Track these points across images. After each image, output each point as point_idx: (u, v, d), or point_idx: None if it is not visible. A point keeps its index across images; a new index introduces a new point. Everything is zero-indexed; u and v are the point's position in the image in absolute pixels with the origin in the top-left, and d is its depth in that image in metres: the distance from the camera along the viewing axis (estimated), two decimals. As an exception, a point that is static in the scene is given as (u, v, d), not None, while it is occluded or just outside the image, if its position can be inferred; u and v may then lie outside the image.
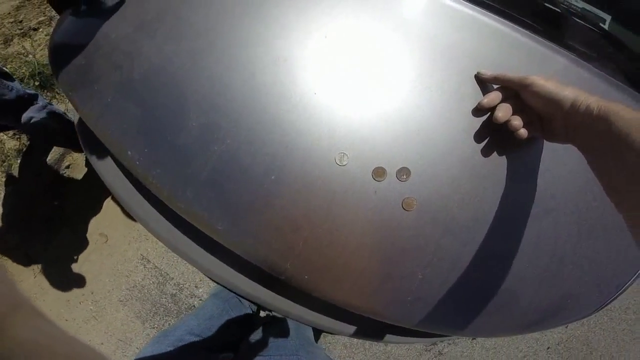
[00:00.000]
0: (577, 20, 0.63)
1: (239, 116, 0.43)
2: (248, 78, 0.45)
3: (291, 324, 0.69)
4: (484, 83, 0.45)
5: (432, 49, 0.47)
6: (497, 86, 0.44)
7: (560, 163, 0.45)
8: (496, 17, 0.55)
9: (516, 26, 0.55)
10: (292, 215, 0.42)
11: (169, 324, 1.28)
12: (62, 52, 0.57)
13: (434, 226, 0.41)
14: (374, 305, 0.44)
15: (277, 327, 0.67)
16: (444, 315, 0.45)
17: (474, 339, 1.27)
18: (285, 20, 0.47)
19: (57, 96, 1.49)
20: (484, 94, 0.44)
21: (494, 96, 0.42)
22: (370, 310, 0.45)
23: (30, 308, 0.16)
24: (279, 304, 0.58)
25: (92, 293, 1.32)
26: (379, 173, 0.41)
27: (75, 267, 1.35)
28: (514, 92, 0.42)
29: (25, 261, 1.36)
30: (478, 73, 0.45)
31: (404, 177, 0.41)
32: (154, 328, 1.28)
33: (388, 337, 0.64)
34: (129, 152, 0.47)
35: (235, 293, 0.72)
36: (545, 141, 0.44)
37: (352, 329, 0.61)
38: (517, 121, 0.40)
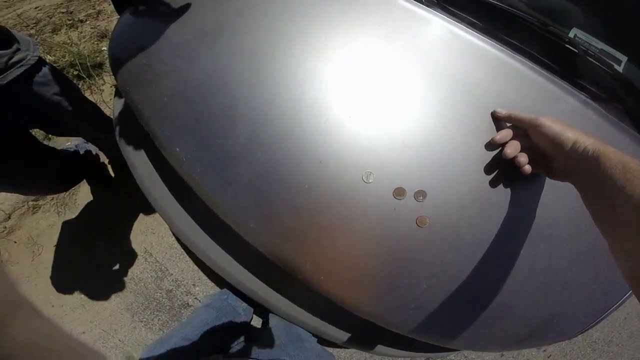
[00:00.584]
0: (593, 60, 0.67)
1: (283, 130, 0.50)
2: (295, 97, 0.52)
3: (282, 321, 0.71)
4: (498, 120, 0.51)
5: (457, 86, 0.54)
6: (510, 124, 0.50)
7: (559, 198, 0.51)
8: (517, 56, 0.61)
9: (535, 66, 0.61)
10: (318, 222, 0.48)
11: (159, 319, 1.30)
12: (123, 50, 0.63)
13: (442, 243, 0.48)
14: (380, 308, 0.50)
15: (267, 331, 0.70)
16: (442, 324, 0.50)
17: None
18: (333, 48, 0.54)
19: (92, 87, 1.55)
20: (497, 130, 0.50)
21: (506, 133, 0.48)
22: (375, 313, 0.50)
23: (30, 308, 0.16)
24: (286, 308, 0.64)
25: (86, 281, 1.34)
26: (399, 192, 0.48)
27: (75, 255, 1.37)
28: (524, 130, 0.47)
29: (28, 242, 1.39)
30: (494, 111, 0.51)
31: (421, 198, 0.48)
32: (141, 322, 1.29)
33: (379, 348, 0.69)
34: (178, 149, 0.54)
35: (238, 291, 0.76)
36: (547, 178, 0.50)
37: (346, 336, 0.66)
38: (523, 158, 0.45)
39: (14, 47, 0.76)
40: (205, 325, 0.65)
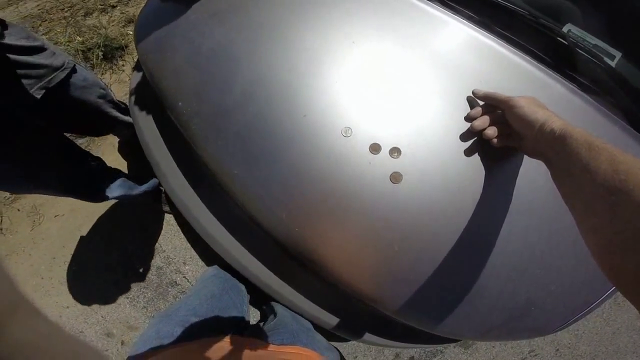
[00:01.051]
0: (584, 54, 0.70)
1: (273, 88, 0.57)
2: (288, 61, 0.59)
3: (287, 310, 0.71)
4: (476, 100, 0.54)
5: (442, 62, 0.59)
6: (485, 103, 0.53)
7: (541, 174, 0.52)
8: (503, 42, 0.64)
9: (522, 54, 0.64)
10: (296, 171, 0.52)
11: (144, 296, 1.30)
12: (147, 24, 0.73)
13: (415, 203, 0.50)
14: (345, 267, 0.51)
15: (276, 311, 0.70)
16: (408, 295, 0.50)
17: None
18: (335, 35, 0.61)
19: (113, 67, 1.69)
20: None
21: (478, 109, 0.51)
22: (338, 271, 0.51)
23: (30, 307, 0.16)
24: (270, 281, 0.66)
25: (80, 254, 1.37)
26: (375, 148, 0.51)
27: (74, 226, 1.40)
28: (500, 109, 0.49)
29: (30, 211, 1.43)
30: (473, 90, 0.54)
31: (395, 154, 0.51)
32: (127, 298, 1.31)
33: (367, 336, 0.70)
34: (180, 103, 0.60)
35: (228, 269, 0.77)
36: (525, 156, 0.52)
37: (335, 320, 0.68)
38: (490, 131, 0.48)
39: (49, 51, 0.78)
40: (212, 297, 0.64)
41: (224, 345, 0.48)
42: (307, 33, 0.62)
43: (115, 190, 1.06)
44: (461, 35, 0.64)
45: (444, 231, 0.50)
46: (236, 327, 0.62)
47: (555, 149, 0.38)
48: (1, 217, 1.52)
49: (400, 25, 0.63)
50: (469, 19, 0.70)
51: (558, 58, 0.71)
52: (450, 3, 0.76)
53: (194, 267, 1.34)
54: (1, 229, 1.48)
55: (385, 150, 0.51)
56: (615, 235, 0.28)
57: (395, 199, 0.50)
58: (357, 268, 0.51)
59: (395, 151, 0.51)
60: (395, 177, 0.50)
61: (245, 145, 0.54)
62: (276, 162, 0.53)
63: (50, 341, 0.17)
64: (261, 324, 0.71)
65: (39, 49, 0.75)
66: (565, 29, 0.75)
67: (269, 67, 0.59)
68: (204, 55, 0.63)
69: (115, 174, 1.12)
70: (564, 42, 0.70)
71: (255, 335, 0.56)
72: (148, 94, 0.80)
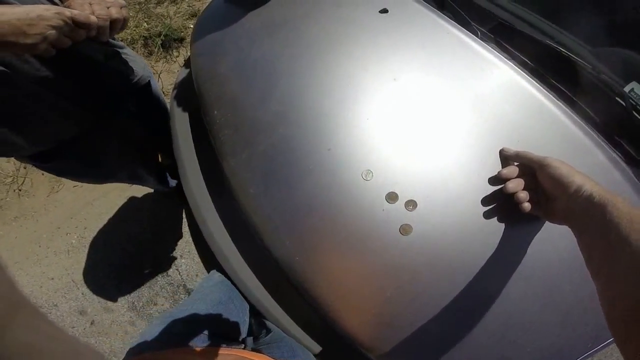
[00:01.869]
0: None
1: (305, 115, 0.60)
2: (323, 91, 0.62)
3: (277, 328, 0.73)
4: (506, 158, 0.55)
5: (482, 113, 0.59)
6: (517, 163, 0.53)
7: (549, 243, 0.52)
8: (552, 95, 0.63)
9: (571, 112, 0.63)
10: (310, 202, 0.54)
11: (132, 282, 1.33)
12: (205, 24, 0.80)
13: (418, 257, 0.50)
14: (338, 302, 0.51)
15: (269, 326, 0.70)
16: (393, 339, 0.50)
17: None
18: (379, 68, 0.64)
19: (167, 57, 1.83)
20: (503, 167, 0.54)
21: (513, 169, 0.51)
22: (330, 305, 0.51)
23: (30, 308, 0.16)
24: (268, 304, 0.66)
25: (85, 228, 1.43)
26: (392, 197, 0.52)
27: (88, 200, 1.46)
28: (531, 170, 0.49)
29: (53, 177, 1.48)
30: (502, 149, 0.55)
31: (411, 207, 0.52)
32: (114, 280, 1.34)
33: None
34: (215, 111, 0.63)
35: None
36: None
37: (318, 348, 0.66)
38: (523, 194, 0.48)
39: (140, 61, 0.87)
40: (219, 304, 0.65)
41: (228, 356, 0.48)
42: (351, 61, 0.65)
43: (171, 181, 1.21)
44: (509, 84, 0.64)
45: (439, 291, 0.50)
46: (238, 337, 0.63)
47: (590, 215, 0.38)
48: (24, 178, 1.58)
49: (446, 65, 0.65)
50: (523, 65, 0.69)
51: (609, 120, 0.68)
52: (507, 46, 0.77)
53: (189, 262, 1.36)
54: (20, 190, 1.54)
55: (401, 201, 0.52)
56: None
57: (400, 249, 0.51)
58: (346, 305, 0.52)
59: (411, 204, 0.52)
60: (405, 229, 0.51)
61: (266, 165, 0.57)
62: (292, 189, 0.55)
63: (51, 342, 0.17)
64: (259, 336, 0.71)
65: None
66: (627, 88, 0.71)
67: (305, 90, 0.62)
68: (248, 67, 0.68)
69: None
70: (622, 102, 0.68)
71: (256, 349, 0.57)
72: (190, 92, 0.85)
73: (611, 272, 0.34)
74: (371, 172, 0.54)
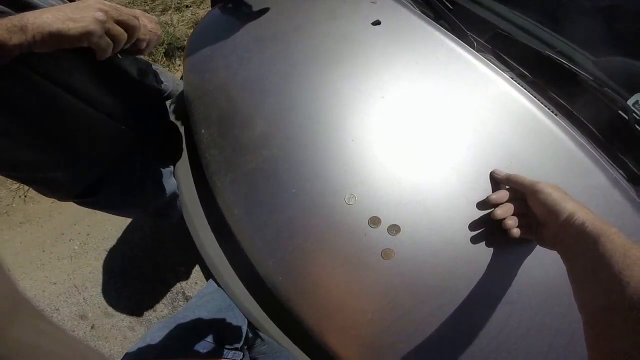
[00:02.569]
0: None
1: (288, 134, 0.59)
2: (309, 111, 0.61)
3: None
4: (496, 181, 0.53)
5: (476, 131, 0.58)
6: (508, 187, 0.52)
7: (538, 268, 0.50)
8: (553, 113, 0.61)
9: (573, 130, 0.61)
10: (295, 223, 0.54)
11: (131, 288, 1.34)
12: (198, 39, 0.80)
13: (400, 281, 0.49)
14: (319, 322, 0.51)
15: (261, 336, 0.70)
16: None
17: None
18: (367, 84, 0.63)
19: (170, 65, 1.85)
20: (493, 190, 0.53)
21: (503, 194, 0.50)
22: (313, 325, 0.51)
23: (31, 308, 0.16)
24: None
25: (87, 235, 1.45)
26: (374, 221, 0.51)
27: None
28: (522, 194, 0.48)
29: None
30: (493, 172, 0.53)
31: (394, 232, 0.51)
32: (115, 285, 1.35)
33: None
34: (203, 130, 0.63)
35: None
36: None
37: None
38: (511, 221, 0.46)
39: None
40: (219, 312, 0.66)
41: None
42: (339, 79, 0.64)
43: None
44: (505, 100, 0.62)
45: (421, 315, 0.49)
46: (238, 344, 0.63)
47: (582, 244, 0.36)
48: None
49: (439, 81, 0.63)
50: (521, 77, 0.67)
51: (610, 135, 0.66)
52: (505, 57, 0.75)
53: (188, 269, 1.38)
54: (26, 196, 1.58)
55: (384, 226, 0.51)
56: (630, 348, 0.27)
57: (381, 273, 0.50)
58: (329, 325, 0.51)
59: (394, 228, 0.51)
60: (387, 254, 0.50)
61: (250, 187, 0.57)
62: (274, 211, 0.55)
63: (51, 343, 0.17)
64: (254, 345, 0.72)
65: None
66: (631, 100, 0.69)
67: (290, 111, 0.62)
68: (237, 85, 0.67)
69: None
70: (625, 116, 0.65)
71: (254, 357, 0.58)
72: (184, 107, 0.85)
73: (596, 307, 0.32)
74: (354, 196, 0.53)
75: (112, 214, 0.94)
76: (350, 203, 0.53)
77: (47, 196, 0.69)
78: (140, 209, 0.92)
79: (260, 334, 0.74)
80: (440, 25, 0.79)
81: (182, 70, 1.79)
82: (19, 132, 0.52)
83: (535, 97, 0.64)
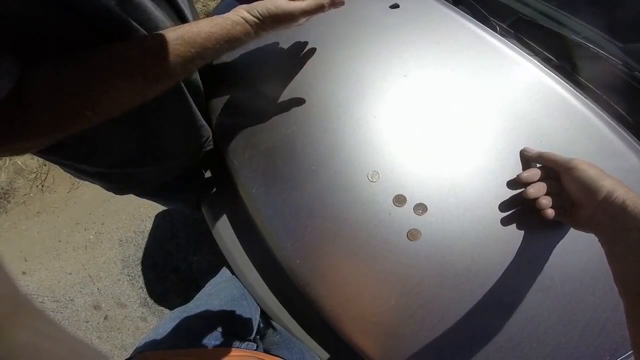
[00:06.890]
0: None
1: (307, 112, 0.56)
2: (325, 85, 0.58)
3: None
4: (527, 160, 0.49)
5: (502, 112, 0.54)
6: (540, 165, 0.48)
7: (574, 252, 0.47)
8: (581, 95, 0.58)
9: (602, 112, 0.57)
10: (314, 202, 0.51)
11: (145, 277, 1.33)
12: None
13: (426, 264, 0.46)
14: (339, 309, 0.48)
15: (274, 326, 0.69)
16: (395, 349, 0.46)
17: None
18: (388, 63, 0.60)
19: None
20: (524, 169, 0.49)
21: (534, 172, 0.46)
22: (330, 311, 0.48)
23: (31, 309, 0.16)
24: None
25: (102, 224, 1.45)
26: (399, 200, 0.48)
27: (107, 196, 1.45)
28: (555, 174, 0.44)
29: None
30: (523, 149, 0.50)
31: (420, 211, 0.47)
32: (128, 276, 1.35)
33: None
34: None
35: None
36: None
37: (326, 356, 0.63)
38: (545, 200, 0.43)
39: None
40: (232, 301, 0.64)
41: (249, 358, 0.48)
42: (358, 56, 0.61)
43: None
44: (531, 81, 0.59)
45: (448, 300, 0.46)
46: (250, 334, 0.61)
47: (623, 225, 0.33)
48: (47, 174, 1.63)
49: (461, 61, 0.60)
50: (546, 61, 0.64)
51: None
52: (529, 42, 0.72)
53: (201, 259, 1.37)
54: (43, 186, 1.59)
55: (410, 205, 0.48)
56: None
57: (407, 256, 0.47)
58: (348, 311, 0.48)
59: (420, 207, 0.48)
60: (413, 235, 0.47)
61: (268, 165, 0.54)
62: (294, 190, 0.52)
63: (52, 343, 0.16)
64: (266, 335, 0.70)
65: None
66: None
67: (309, 87, 0.59)
68: (255, 63, 0.64)
69: None
70: None
71: (267, 349, 0.57)
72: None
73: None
74: (377, 173, 0.50)
75: (160, 204, 0.92)
76: (374, 180, 0.49)
77: (106, 190, 0.66)
78: (189, 202, 0.89)
79: (273, 323, 0.72)
80: (460, 9, 0.76)
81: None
82: (135, 124, 0.48)
83: (561, 79, 0.61)
